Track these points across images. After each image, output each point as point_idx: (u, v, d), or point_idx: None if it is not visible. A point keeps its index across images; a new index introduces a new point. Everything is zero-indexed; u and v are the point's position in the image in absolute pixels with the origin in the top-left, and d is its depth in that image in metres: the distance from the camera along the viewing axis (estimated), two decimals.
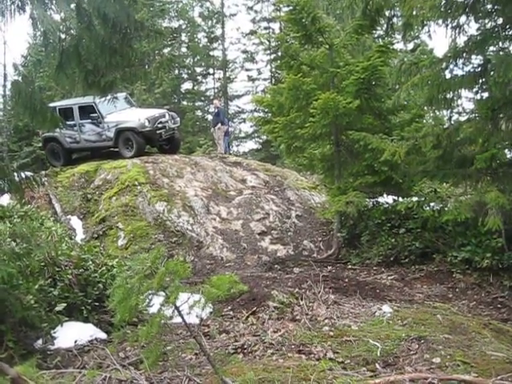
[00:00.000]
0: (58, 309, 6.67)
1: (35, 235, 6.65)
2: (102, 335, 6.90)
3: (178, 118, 19.29)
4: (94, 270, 7.71)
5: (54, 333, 6.53)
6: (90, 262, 7.83)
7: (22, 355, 5.83)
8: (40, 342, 6.41)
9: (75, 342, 6.54)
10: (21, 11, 5.91)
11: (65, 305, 6.78)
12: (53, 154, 18.35)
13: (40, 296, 6.57)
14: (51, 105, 16.66)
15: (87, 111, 17.43)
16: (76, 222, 13.70)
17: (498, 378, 4.54)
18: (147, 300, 4.15)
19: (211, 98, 35.49)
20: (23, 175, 6.60)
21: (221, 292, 4.20)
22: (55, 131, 17.31)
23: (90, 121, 17.53)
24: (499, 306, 8.70)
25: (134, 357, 5.76)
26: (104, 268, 7.94)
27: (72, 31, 6.28)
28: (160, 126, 17.41)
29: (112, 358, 5.58)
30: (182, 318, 4.27)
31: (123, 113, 17.69)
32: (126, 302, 4.00)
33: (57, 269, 7.29)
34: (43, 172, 16.74)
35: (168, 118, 17.96)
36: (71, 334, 6.64)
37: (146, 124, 16.96)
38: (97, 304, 7.29)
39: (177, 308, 4.19)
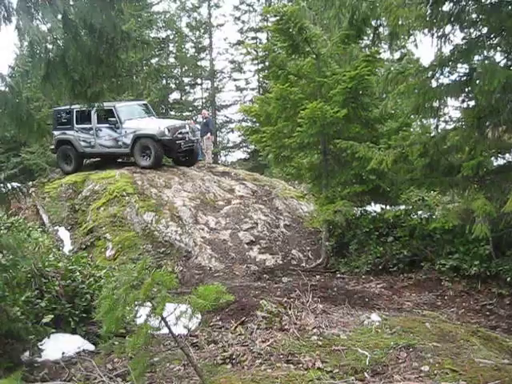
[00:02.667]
0: (45, 320, 6.60)
1: (22, 246, 6.57)
2: (90, 347, 6.83)
3: (199, 132, 19.16)
4: (82, 281, 7.64)
5: (41, 345, 6.45)
6: (78, 273, 7.76)
7: (8, 368, 5.75)
8: (27, 354, 6.33)
9: (63, 353, 6.47)
10: (7, 22, 5.89)
11: (52, 316, 6.70)
12: (64, 158, 17.93)
13: (27, 308, 6.50)
14: (66, 108, 16.90)
15: (105, 115, 17.04)
16: (64, 233, 13.64)
17: None
18: (134, 311, 4.12)
19: (199, 107, 35.54)
20: (10, 186, 6.56)
21: (207, 302, 4.18)
22: (70, 133, 17.57)
23: (107, 125, 17.19)
24: (488, 313, 8.74)
25: (122, 368, 5.71)
26: (92, 279, 7.87)
27: (58, 42, 6.25)
28: (180, 136, 17.00)
29: (99, 370, 5.53)
30: (169, 328, 4.25)
31: (142, 120, 17.45)
32: (112, 313, 3.97)
33: (44, 280, 7.22)
34: (30, 183, 16.67)
35: (188, 130, 17.61)
36: (58, 345, 6.57)
37: (166, 133, 16.58)
38: (84, 315, 7.22)
39: (163, 319, 4.17)
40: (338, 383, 4.88)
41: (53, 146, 18.50)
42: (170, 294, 4.33)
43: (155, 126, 16.88)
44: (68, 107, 16.75)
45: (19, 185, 7.25)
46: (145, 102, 20.43)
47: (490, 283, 9.50)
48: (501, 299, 9.12)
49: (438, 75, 9.19)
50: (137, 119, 17.33)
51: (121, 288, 4.03)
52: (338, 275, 11.20)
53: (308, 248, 13.06)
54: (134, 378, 4.44)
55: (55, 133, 17.93)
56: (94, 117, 17.18)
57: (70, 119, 17.67)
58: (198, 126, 21.18)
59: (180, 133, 17.02)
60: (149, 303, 4.14)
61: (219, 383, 4.74)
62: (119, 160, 18.58)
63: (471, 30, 8.94)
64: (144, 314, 4.30)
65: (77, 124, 17.60)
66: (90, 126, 17.41)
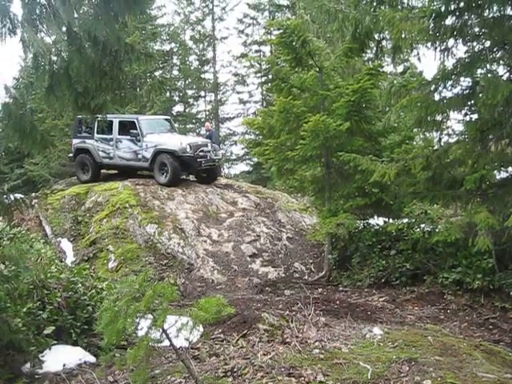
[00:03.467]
0: (46, 332, 6.60)
1: (24, 257, 6.57)
2: (91, 359, 6.81)
3: (221, 152, 18.77)
4: (84, 293, 7.64)
5: (42, 356, 6.45)
6: (80, 285, 7.76)
7: (9, 379, 5.76)
8: (28, 365, 6.32)
9: (64, 365, 6.46)
10: (12, 34, 5.93)
11: (53, 328, 6.70)
12: (82, 167, 17.65)
13: (28, 319, 6.49)
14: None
15: (127, 127, 16.89)
16: (66, 245, 13.64)
17: None
18: (135, 323, 4.11)
19: (202, 120, 35.61)
20: (13, 197, 6.58)
21: (209, 315, 4.17)
22: (89, 142, 17.43)
23: (128, 137, 16.85)
24: (491, 327, 8.70)
25: (123, 380, 5.69)
26: (94, 291, 7.88)
27: (62, 54, 6.30)
28: (201, 154, 16.46)
29: (99, 382, 5.51)
30: (170, 340, 4.23)
31: (164, 135, 17.15)
32: (113, 324, 3.97)
33: (46, 291, 7.22)
34: (33, 194, 16.66)
35: (210, 149, 17.06)
36: (59, 357, 6.56)
37: (188, 150, 16.11)
38: (86, 327, 7.21)
39: (164, 331, 4.16)
40: None
41: (71, 154, 18.35)
42: (171, 306, 4.33)
43: (177, 141, 16.49)
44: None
45: (22, 196, 7.28)
46: (168, 117, 20.31)
47: (492, 297, 9.48)
48: (504, 313, 9.09)
49: (440, 88, 9.21)
50: (158, 134, 17.04)
51: (122, 300, 4.02)
52: (341, 288, 11.17)
53: (310, 261, 13.04)
54: None
55: (75, 141, 17.87)
56: (115, 128, 17.04)
57: (91, 128, 17.44)
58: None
59: (201, 151, 16.54)
60: (150, 315, 4.13)
61: None
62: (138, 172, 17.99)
63: (474, 44, 8.97)
64: (145, 326, 4.29)
65: (97, 134, 17.37)
66: (110, 136, 17.17)
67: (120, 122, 17.06)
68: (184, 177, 17.32)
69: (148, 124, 17.32)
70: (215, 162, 17.30)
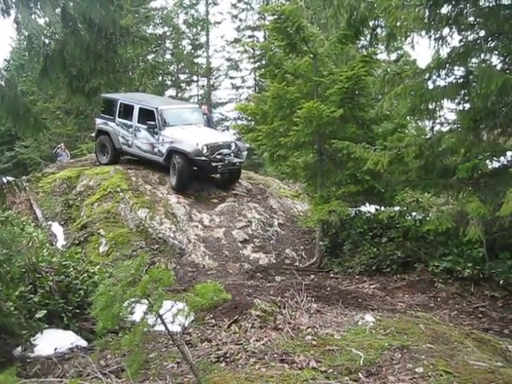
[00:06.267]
0: (38, 316, 6.58)
1: (16, 241, 6.55)
2: (83, 343, 6.81)
3: (245, 152, 15.84)
4: (75, 277, 7.62)
5: (34, 340, 6.43)
6: (71, 269, 7.74)
7: (1, 363, 5.74)
8: (19, 349, 6.32)
9: (55, 349, 6.45)
10: (5, 15, 5.88)
11: (45, 312, 6.69)
12: (102, 149, 16.54)
13: (20, 303, 6.48)
14: (112, 95, 15.34)
15: (147, 115, 15.36)
16: (57, 228, 13.59)
17: None
18: (131, 308, 4.11)
19: (198, 103, 35.51)
20: (5, 180, 6.54)
21: (205, 300, 4.17)
22: (111, 125, 16.14)
23: (146, 127, 15.31)
24: (480, 315, 8.77)
25: (115, 365, 5.69)
26: (85, 275, 7.86)
27: (57, 36, 6.25)
28: (218, 157, 14.43)
29: (93, 365, 5.51)
30: (166, 326, 4.24)
31: (184, 129, 15.16)
32: (108, 309, 3.96)
33: (37, 275, 7.20)
34: (24, 177, 16.56)
35: (233, 150, 14.84)
36: (51, 341, 6.55)
37: (204, 151, 14.18)
38: (78, 311, 7.21)
39: (160, 316, 4.16)
40: (333, 383, 4.88)
41: (94, 134, 17.30)
42: (164, 291, 4.31)
43: (193, 141, 14.40)
44: (116, 96, 15.67)
45: (14, 179, 7.23)
46: (196, 107, 18.48)
47: (482, 285, 9.53)
48: (493, 302, 9.15)
49: (434, 77, 9.23)
50: (179, 127, 15.26)
51: (118, 285, 4.02)
52: (332, 275, 11.21)
53: (302, 247, 13.08)
54: (129, 375, 4.43)
55: (98, 121, 16.75)
56: (135, 114, 15.67)
57: (113, 110, 16.11)
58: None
59: (220, 153, 14.50)
60: (145, 300, 4.13)
61: (214, 381, 4.73)
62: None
63: (469, 33, 8.99)
64: (139, 311, 4.28)
65: (119, 117, 16.05)
66: (130, 123, 15.78)
67: (140, 109, 15.62)
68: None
69: (170, 114, 15.68)
70: (235, 165, 15.11)
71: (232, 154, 14.80)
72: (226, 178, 15.42)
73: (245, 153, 15.59)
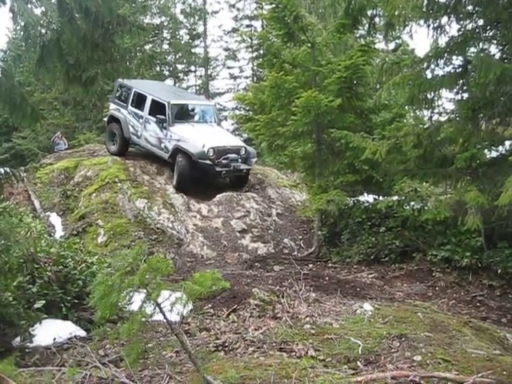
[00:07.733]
0: (36, 306, 6.58)
1: (14, 231, 6.54)
2: (82, 333, 6.81)
3: (255, 159, 15.21)
4: (74, 267, 7.61)
5: (33, 330, 6.44)
6: (70, 259, 7.73)
7: (0, 353, 5.75)
8: (18, 339, 6.31)
9: (54, 339, 6.46)
10: (1, 4, 5.84)
11: (44, 302, 6.68)
12: (111, 137, 16.08)
13: (18, 293, 6.47)
14: (129, 82, 14.55)
15: (158, 108, 14.89)
16: (55, 219, 13.58)
17: (479, 375, 4.58)
18: (129, 297, 4.11)
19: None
20: (2, 171, 6.53)
21: (203, 289, 4.17)
22: (122, 113, 15.67)
23: (155, 120, 14.84)
24: (478, 304, 8.80)
25: (114, 354, 5.70)
26: (84, 265, 7.85)
27: (53, 25, 6.21)
28: (224, 162, 13.96)
29: (92, 355, 5.52)
30: (164, 315, 4.23)
31: (193, 128, 14.85)
32: (106, 298, 3.96)
33: (36, 265, 7.19)
34: (22, 168, 16.53)
35: (241, 155, 14.46)
36: (50, 331, 6.55)
37: (209, 154, 13.77)
38: (76, 301, 7.20)
39: (158, 305, 4.15)
40: (331, 372, 4.89)
41: (105, 118, 16.88)
42: (162, 280, 4.31)
43: (200, 142, 13.96)
44: (131, 83, 15.03)
45: (12, 169, 7.21)
46: (210, 104, 17.83)
47: (481, 275, 9.55)
48: (491, 291, 9.18)
49: (433, 67, 9.19)
50: (190, 124, 15.03)
51: (116, 274, 4.01)
52: (330, 264, 11.23)
53: (300, 237, 13.08)
54: (128, 364, 4.44)
55: (111, 106, 16.33)
56: (147, 106, 15.17)
57: (127, 97, 15.71)
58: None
59: (226, 158, 14.05)
60: (143, 290, 4.12)
61: (212, 370, 4.74)
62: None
63: (467, 22, 8.93)
64: (137, 300, 4.28)
65: (131, 106, 15.56)
66: (141, 113, 15.31)
67: (153, 101, 15.12)
68: None
69: (182, 110, 15.49)
70: (241, 171, 14.72)
71: (239, 160, 14.42)
72: (232, 182, 15.14)
73: (254, 159, 15.07)
